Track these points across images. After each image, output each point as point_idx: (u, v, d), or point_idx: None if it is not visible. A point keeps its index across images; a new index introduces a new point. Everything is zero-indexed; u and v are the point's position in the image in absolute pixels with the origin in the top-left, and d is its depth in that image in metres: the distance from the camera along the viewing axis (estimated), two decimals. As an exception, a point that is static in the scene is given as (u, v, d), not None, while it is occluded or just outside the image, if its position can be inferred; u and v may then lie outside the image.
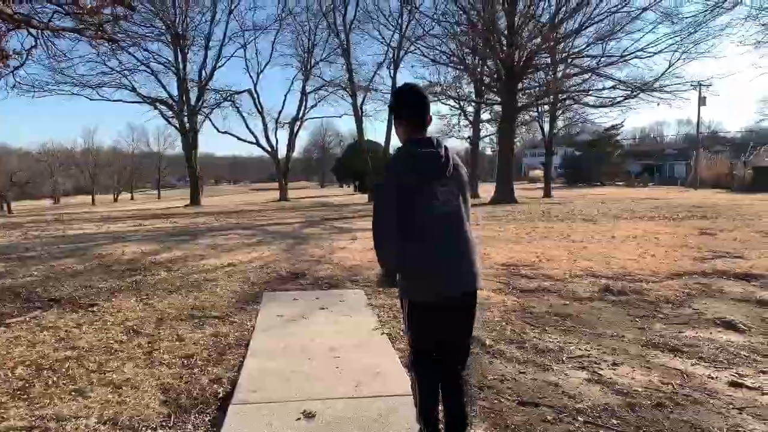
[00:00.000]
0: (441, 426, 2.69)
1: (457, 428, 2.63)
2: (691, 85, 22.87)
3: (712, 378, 3.82)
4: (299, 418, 3.17)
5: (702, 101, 44.74)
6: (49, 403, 3.43)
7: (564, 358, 4.26)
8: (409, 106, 2.68)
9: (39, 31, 8.64)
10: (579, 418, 3.22)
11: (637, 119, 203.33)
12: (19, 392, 3.62)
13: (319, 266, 8.18)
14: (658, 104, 23.12)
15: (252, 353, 4.35)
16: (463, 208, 2.66)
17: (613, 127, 54.58)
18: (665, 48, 21.88)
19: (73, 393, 3.59)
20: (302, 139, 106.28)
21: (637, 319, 5.37)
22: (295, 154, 48.88)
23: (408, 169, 2.54)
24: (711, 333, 4.87)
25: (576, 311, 5.67)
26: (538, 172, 65.74)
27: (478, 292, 2.74)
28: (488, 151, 71.39)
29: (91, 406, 3.39)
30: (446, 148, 2.59)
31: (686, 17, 24.32)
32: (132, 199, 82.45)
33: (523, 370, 4.03)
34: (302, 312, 5.60)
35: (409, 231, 2.54)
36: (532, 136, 65.34)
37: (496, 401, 3.48)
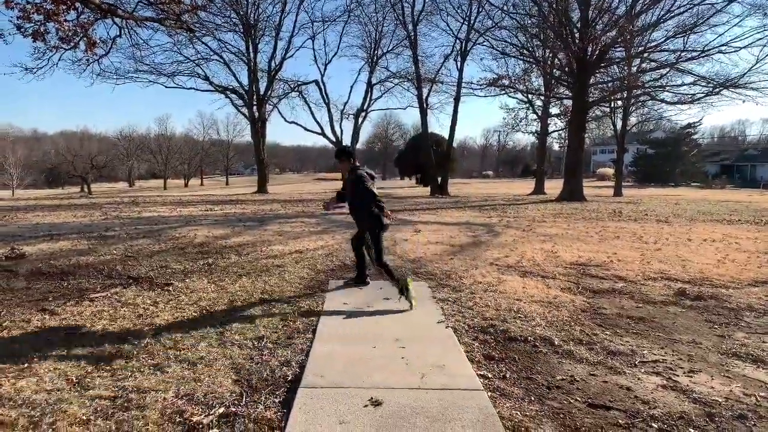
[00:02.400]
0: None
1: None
2: (780, 82, 21.27)
3: (800, 392, 3.60)
4: (366, 405, 3.21)
5: (791, 99, 41.76)
6: (131, 376, 3.62)
7: (637, 362, 4.11)
8: (353, 154, 6.14)
9: (123, 20, 9.05)
10: (653, 425, 3.10)
11: (716, 117, 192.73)
12: (103, 363, 3.83)
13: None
14: (743, 101, 21.72)
15: (319, 339, 4.43)
16: None
17: (690, 125, 52.11)
18: (753, 42, 20.51)
19: (152, 367, 3.77)
20: (365, 131, 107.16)
21: (716, 327, 5.12)
22: (358, 146, 49.27)
23: (370, 176, 5.82)
24: (799, 345, 4.58)
25: (649, 314, 5.46)
26: (607, 170, 63.61)
27: None
28: (555, 147, 69.78)
29: (169, 381, 3.55)
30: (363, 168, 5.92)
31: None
32: (202, 184, 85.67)
33: (593, 371, 3.91)
34: (366, 301, 5.66)
35: (376, 199, 5.74)
36: (602, 132, 63.35)
37: (565, 402, 3.41)
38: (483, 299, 5.82)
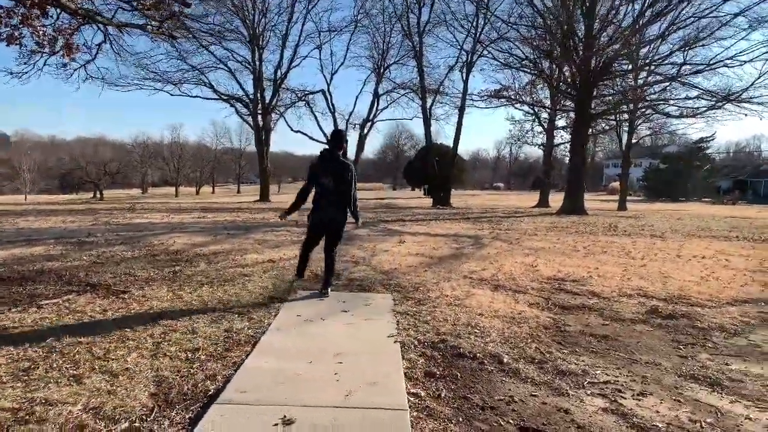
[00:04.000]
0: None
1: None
2: (786, 97, 20.73)
3: (750, 419, 3.39)
4: (277, 424, 3.03)
5: (802, 115, 41.04)
6: (44, 387, 3.47)
7: (585, 383, 3.90)
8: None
9: (105, 26, 9.01)
10: (580, 452, 2.90)
11: (732, 132, 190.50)
12: (22, 373, 3.69)
13: (356, 268, 8.03)
14: (746, 115, 21.34)
15: (256, 352, 4.26)
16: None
17: (702, 139, 51.57)
18: (758, 56, 20.11)
19: (70, 378, 3.62)
20: (377, 141, 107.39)
21: (681, 347, 4.89)
22: (371, 156, 49.34)
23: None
24: (763, 368, 4.34)
25: (614, 333, 5.24)
26: (618, 184, 63.06)
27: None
28: (566, 159, 69.24)
29: (81, 393, 3.40)
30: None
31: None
32: (213, 192, 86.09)
33: (535, 392, 3.71)
34: (322, 313, 5.47)
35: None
36: (615, 146, 62.94)
37: (495, 424, 3.22)
38: (443, 313, 5.62)
